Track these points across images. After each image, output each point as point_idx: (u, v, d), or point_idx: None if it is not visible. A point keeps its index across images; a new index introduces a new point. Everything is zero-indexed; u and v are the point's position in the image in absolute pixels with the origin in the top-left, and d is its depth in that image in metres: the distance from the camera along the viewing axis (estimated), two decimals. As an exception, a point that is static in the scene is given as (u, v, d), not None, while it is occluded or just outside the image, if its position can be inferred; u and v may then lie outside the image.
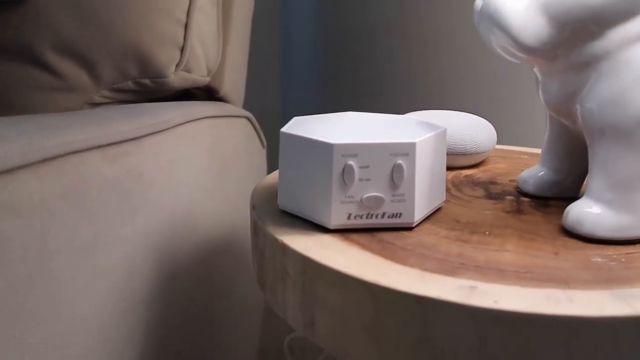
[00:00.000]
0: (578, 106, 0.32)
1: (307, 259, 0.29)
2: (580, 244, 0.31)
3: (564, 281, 0.26)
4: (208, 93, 0.66)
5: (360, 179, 0.31)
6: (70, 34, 0.49)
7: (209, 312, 0.51)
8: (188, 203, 0.45)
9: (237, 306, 0.60)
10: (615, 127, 0.30)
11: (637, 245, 0.30)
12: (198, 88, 0.64)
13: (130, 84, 0.53)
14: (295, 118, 0.38)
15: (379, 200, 0.32)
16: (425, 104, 0.97)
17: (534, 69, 0.35)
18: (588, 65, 0.30)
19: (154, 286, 0.40)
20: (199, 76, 0.58)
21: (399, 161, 0.31)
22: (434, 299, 0.25)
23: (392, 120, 0.37)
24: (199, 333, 0.49)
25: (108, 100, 0.54)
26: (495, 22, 0.31)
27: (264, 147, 0.70)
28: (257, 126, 0.66)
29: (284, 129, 0.34)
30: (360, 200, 0.31)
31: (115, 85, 0.53)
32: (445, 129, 0.35)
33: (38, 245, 0.27)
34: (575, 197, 0.39)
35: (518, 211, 0.36)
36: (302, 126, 0.35)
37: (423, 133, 0.33)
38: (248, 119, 0.63)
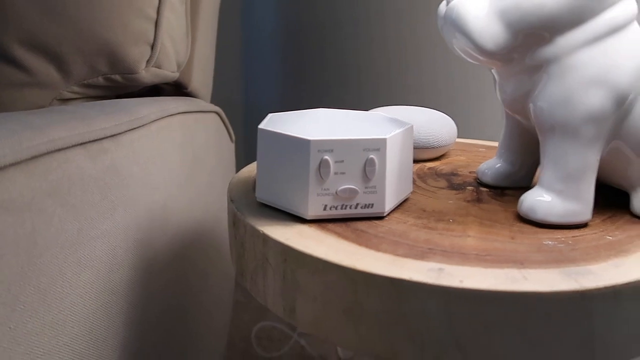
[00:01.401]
0: (531, 105, 0.35)
1: (287, 248, 0.31)
2: (533, 229, 0.34)
3: (520, 262, 0.29)
4: (176, 88, 0.66)
5: (335, 173, 0.33)
6: (39, 30, 0.49)
7: (184, 302, 0.53)
8: (163, 198, 0.46)
9: (209, 295, 0.61)
10: (564, 124, 0.33)
11: (582, 229, 0.34)
12: (167, 83, 0.64)
13: (100, 80, 0.54)
14: (270, 115, 0.40)
15: (353, 192, 0.34)
16: (387, 99, 1.00)
17: (492, 70, 0.38)
18: (540, 68, 0.34)
19: (133, 278, 0.41)
20: (169, 72, 0.58)
21: (371, 156, 0.34)
22: (406, 280, 0.27)
23: (362, 116, 0.40)
24: (174, 322, 0.51)
25: (77, 96, 0.54)
26: (458, 27, 0.34)
27: (232, 141, 0.71)
28: (226, 121, 0.67)
29: (261, 126, 0.36)
30: (336, 192, 0.34)
31: (85, 81, 0.53)
32: (412, 126, 0.38)
33: (28, 241, 0.28)
34: (528, 187, 0.42)
35: (478, 200, 0.39)
36: (279, 123, 0.37)
37: (393, 129, 0.35)
38: (217, 113, 0.64)
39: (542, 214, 0.34)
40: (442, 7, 0.37)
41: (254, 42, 1.45)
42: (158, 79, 0.57)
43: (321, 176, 0.33)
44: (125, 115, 0.41)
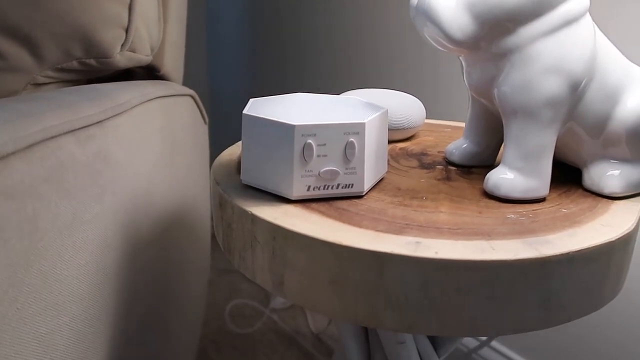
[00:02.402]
0: (495, 90, 0.38)
1: (276, 226, 0.33)
2: (498, 204, 0.37)
3: (487, 234, 0.32)
4: (148, 71, 0.67)
5: (318, 155, 0.36)
6: (12, 14, 0.49)
7: (166, 284, 0.54)
8: (146, 181, 0.48)
9: (188, 275, 0.63)
10: (525, 107, 0.36)
11: (541, 203, 0.38)
12: (139, 66, 0.65)
13: (74, 64, 0.54)
14: (252, 100, 0.41)
15: (334, 173, 0.36)
16: (354, 83, 1.02)
17: (460, 57, 0.41)
18: (504, 56, 0.37)
19: (122, 260, 0.42)
20: (143, 55, 0.59)
21: (351, 139, 0.36)
22: (387, 253, 0.30)
23: (339, 101, 0.42)
24: (158, 303, 0.52)
25: (51, 81, 0.54)
26: (429, 17, 0.37)
27: (205, 123, 0.72)
28: (200, 104, 0.68)
29: (246, 112, 0.38)
30: (318, 173, 0.36)
31: (59, 66, 0.53)
32: (387, 109, 0.40)
33: (30, 226, 0.29)
34: (492, 165, 0.46)
35: (447, 178, 0.43)
36: (261, 108, 0.39)
37: (370, 114, 0.38)
38: (192, 97, 0.65)
39: (505, 190, 0.38)
40: (414, -3, 0.39)
41: (218, 25, 1.44)
42: (132, 62, 0.58)
43: (305, 159, 0.35)
44: (109, 101, 0.42)
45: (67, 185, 0.33)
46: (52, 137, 0.32)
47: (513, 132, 0.38)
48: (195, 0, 1.43)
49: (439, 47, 0.39)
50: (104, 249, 0.39)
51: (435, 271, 0.30)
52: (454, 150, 0.46)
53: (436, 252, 0.30)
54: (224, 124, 1.52)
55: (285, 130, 0.35)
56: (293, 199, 0.36)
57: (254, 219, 0.35)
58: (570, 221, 0.35)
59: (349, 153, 0.36)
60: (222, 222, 0.40)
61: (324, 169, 0.36)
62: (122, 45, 0.55)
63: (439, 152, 0.50)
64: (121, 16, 0.54)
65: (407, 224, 0.34)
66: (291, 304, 1.13)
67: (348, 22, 1.00)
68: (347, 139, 0.36)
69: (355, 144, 0.36)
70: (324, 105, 0.40)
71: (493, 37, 0.36)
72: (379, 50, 0.95)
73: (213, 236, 1.27)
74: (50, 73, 0.53)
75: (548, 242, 0.31)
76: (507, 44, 0.36)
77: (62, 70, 0.54)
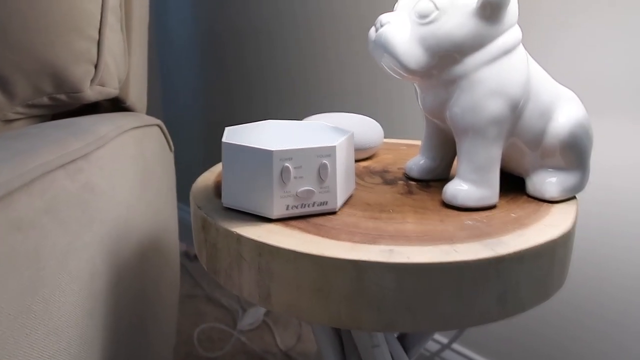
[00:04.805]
0: (447, 112, 0.43)
1: (261, 244, 0.37)
2: (456, 212, 0.42)
3: (449, 239, 0.37)
4: (113, 102, 0.68)
5: (295, 177, 0.39)
6: (-16, 54, 0.50)
7: (144, 306, 0.56)
8: (126, 209, 0.50)
9: (163, 299, 0.65)
10: (474, 126, 0.41)
11: (493, 210, 0.43)
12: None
13: (45, 100, 0.55)
14: (227, 128, 0.45)
15: (310, 193, 0.40)
16: (314, 106, 1.07)
17: (415, 84, 0.46)
18: (453, 83, 0.42)
19: (108, 285, 0.44)
20: (112, 89, 0.61)
21: (324, 161, 0.40)
22: (365, 261, 0.34)
23: (307, 126, 0.46)
24: (138, 326, 0.54)
25: (21, 116, 0.55)
26: (386, 50, 0.41)
27: (171, 150, 0.74)
28: (167, 132, 0.70)
29: (225, 140, 0.41)
30: (296, 193, 0.40)
31: (29, 102, 0.54)
32: (353, 132, 0.45)
33: (34, 255, 0.31)
34: (447, 178, 0.51)
35: (409, 192, 0.47)
36: (238, 136, 0.42)
37: (338, 137, 0.42)
38: (159, 126, 0.67)
39: (461, 200, 0.42)
40: (372, 32, 0.43)
41: (169, 54, 1.46)
42: (102, 96, 0.60)
43: (283, 181, 0.39)
44: (90, 135, 0.44)
45: (62, 216, 0.35)
46: (49, 172, 0.34)
47: (464, 149, 0.43)
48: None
49: (396, 76, 0.44)
50: (93, 275, 0.40)
51: (408, 274, 0.34)
52: (413, 167, 0.51)
53: (408, 257, 0.34)
54: (180, 151, 1.53)
55: (264, 156, 0.39)
56: (274, 218, 0.40)
57: (240, 238, 0.38)
58: (519, 224, 0.40)
59: (323, 174, 0.40)
60: (205, 243, 0.42)
61: (301, 189, 0.40)
62: (91, 80, 0.57)
63: (398, 168, 0.55)
64: (90, 52, 0.56)
65: (379, 235, 0.38)
66: (258, 324, 1.14)
67: (305, 50, 1.05)
68: (320, 161, 0.40)
69: (328, 165, 0.40)
70: (295, 131, 0.44)
71: (443, 66, 0.41)
72: (336, 76, 1.00)
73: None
74: (20, 109, 0.54)
75: (502, 243, 0.36)
76: (455, 72, 0.41)
77: (32, 106, 0.55)
